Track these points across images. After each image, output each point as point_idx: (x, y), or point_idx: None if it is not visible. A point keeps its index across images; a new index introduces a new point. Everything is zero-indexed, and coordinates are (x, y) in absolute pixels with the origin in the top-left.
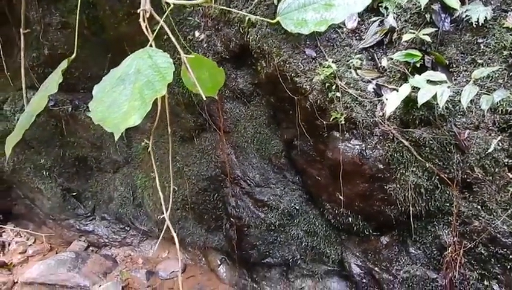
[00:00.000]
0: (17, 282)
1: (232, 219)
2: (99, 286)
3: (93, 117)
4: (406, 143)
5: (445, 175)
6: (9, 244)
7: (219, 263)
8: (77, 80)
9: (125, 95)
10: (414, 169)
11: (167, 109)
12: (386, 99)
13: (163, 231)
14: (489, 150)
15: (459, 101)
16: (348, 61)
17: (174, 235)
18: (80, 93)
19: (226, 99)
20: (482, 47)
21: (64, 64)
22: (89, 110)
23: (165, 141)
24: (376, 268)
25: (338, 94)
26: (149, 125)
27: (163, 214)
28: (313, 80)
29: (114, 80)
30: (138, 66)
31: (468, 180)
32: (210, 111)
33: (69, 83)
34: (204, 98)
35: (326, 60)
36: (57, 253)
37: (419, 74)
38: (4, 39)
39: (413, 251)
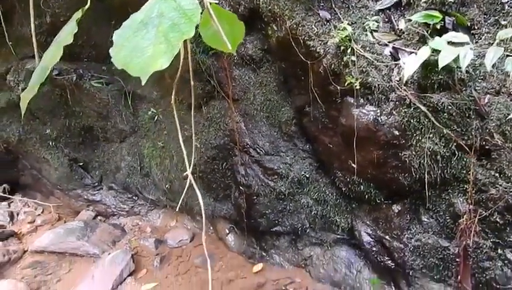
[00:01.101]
0: (27, 250)
1: (241, 188)
2: (109, 253)
3: (116, 63)
4: (424, 108)
5: (463, 142)
6: (17, 214)
7: (227, 231)
8: (81, 48)
9: (149, 39)
10: (431, 135)
11: (189, 57)
12: (404, 63)
13: (186, 188)
14: (510, 116)
15: (480, 64)
16: (364, 23)
17: (198, 193)
18: (84, 62)
19: (234, 66)
20: (507, 7)
21: (78, 14)
22: (93, 79)
23: (172, 109)
24: (387, 236)
25: (353, 58)
26: (155, 94)
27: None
28: (327, 44)
29: (135, 24)
30: (161, 10)
31: (486, 147)
32: (218, 78)
33: (73, 51)
34: (230, 48)
35: (341, 22)
36: (65, 222)
37: (439, 36)
38: (4, 8)
39: (426, 220)
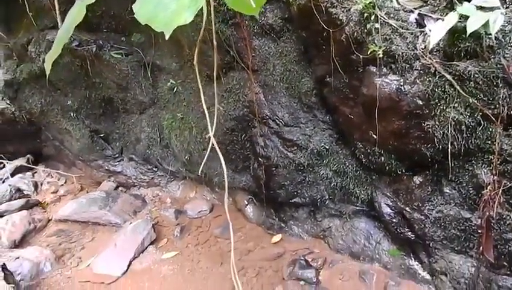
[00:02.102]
0: (51, 219)
1: (260, 159)
2: (130, 223)
3: (140, 18)
4: (449, 77)
5: (489, 111)
6: (41, 185)
7: (246, 203)
8: (100, 18)
9: None
10: (456, 105)
11: (212, 16)
12: (429, 30)
13: (208, 151)
14: None
15: (511, 31)
16: None
17: (220, 155)
18: (103, 32)
19: (254, 35)
20: None
21: None
22: (112, 50)
23: (191, 80)
24: (407, 208)
25: (377, 25)
26: (174, 66)
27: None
28: (350, 10)
29: None
30: None
31: None
32: (238, 48)
33: (92, 22)
34: (254, 6)
35: None
36: (87, 192)
37: (468, 1)
38: None
39: (448, 191)
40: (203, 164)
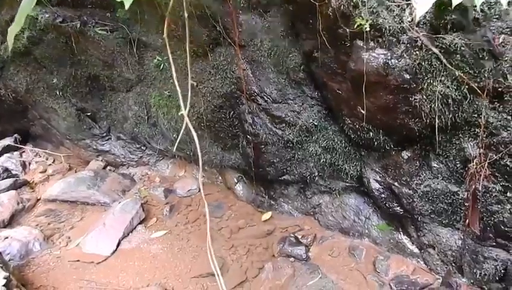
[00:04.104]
0: (40, 199)
1: (248, 137)
2: (119, 202)
3: None
4: (436, 50)
5: (476, 84)
6: (29, 164)
7: (236, 181)
8: None
9: None
10: (442, 78)
11: None
12: (416, 2)
13: (182, 130)
14: None
15: (496, 2)
16: None
17: (193, 132)
18: (87, 8)
19: (241, 10)
20: None
21: None
22: (97, 26)
23: (177, 56)
24: (396, 183)
25: None
26: (160, 42)
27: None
28: None
29: None
30: None
31: (499, 89)
32: (224, 24)
33: None
34: None
35: None
36: (76, 172)
37: None
38: None
39: (436, 165)
40: (176, 143)
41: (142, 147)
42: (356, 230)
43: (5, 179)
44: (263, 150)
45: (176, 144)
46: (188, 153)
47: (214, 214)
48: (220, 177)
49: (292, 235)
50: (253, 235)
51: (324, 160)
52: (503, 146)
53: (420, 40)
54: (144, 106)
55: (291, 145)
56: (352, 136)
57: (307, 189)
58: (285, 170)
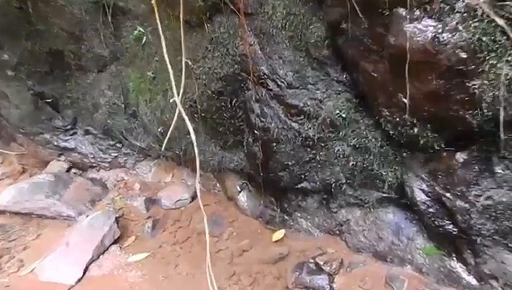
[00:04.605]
0: None
1: (255, 132)
2: (87, 216)
3: None
4: (501, 22)
5: None
6: None
7: (239, 189)
8: None
9: None
10: (509, 58)
11: None
12: None
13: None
14: None
15: None
16: None
17: (189, 124)
18: None
19: None
20: None
21: None
22: None
23: (165, 28)
24: (448, 194)
25: None
26: (143, 8)
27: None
28: None
29: None
30: None
31: None
32: None
33: None
34: None
35: None
36: (31, 176)
37: None
38: None
39: (500, 171)
40: (167, 137)
41: (118, 144)
42: (395, 254)
43: None
44: (274, 150)
45: (165, 142)
46: (177, 152)
47: (210, 231)
48: (219, 184)
49: (312, 261)
50: (260, 259)
51: (354, 163)
52: None
53: (481, 8)
54: (120, 90)
55: (311, 143)
56: (391, 132)
57: (332, 201)
58: (303, 176)
